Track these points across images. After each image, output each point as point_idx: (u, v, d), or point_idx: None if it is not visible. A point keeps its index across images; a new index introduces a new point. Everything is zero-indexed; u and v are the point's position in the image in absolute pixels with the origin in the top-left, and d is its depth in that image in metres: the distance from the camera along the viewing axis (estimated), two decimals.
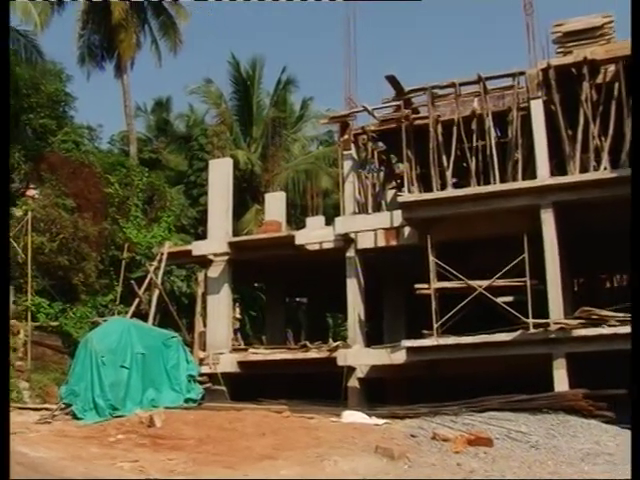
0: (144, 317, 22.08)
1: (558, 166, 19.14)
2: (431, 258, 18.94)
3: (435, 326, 18.35)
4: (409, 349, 18.52)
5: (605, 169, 18.35)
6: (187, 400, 19.04)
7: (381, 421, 15.81)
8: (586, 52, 18.79)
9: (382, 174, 23.69)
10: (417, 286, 19.25)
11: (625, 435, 13.54)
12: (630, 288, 9.18)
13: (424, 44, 75.71)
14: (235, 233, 26.12)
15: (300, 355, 20.91)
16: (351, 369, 19.89)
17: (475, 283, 18.44)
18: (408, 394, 19.27)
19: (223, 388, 20.86)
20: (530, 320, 17.39)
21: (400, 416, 16.19)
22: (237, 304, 27.09)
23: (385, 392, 20.66)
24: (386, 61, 68.78)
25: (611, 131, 18.63)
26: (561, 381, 16.84)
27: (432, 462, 12.58)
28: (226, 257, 22.60)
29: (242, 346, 23.47)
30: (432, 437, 13.82)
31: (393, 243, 20.62)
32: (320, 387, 19.10)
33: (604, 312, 17.09)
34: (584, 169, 18.59)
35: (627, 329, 16.47)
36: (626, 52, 18.44)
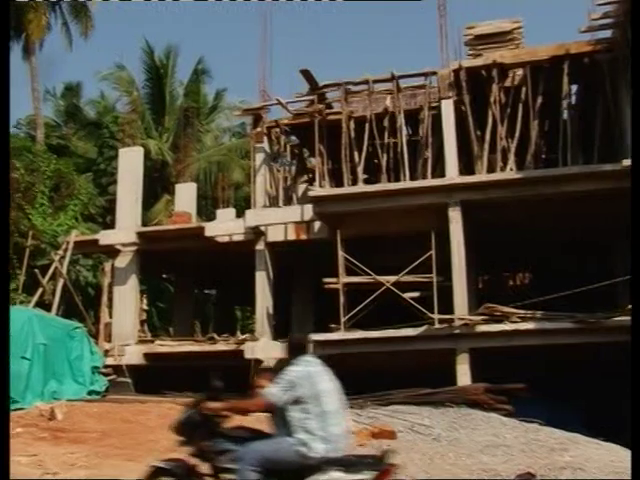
0: (48, 307, 21.59)
1: (466, 165, 19.58)
2: (340, 253, 19.11)
3: (343, 320, 18.54)
4: (316, 343, 18.61)
5: (511, 170, 18.88)
6: (90, 392, 18.68)
7: None
8: (496, 55, 19.29)
9: (294, 168, 23.78)
10: (326, 280, 19.39)
11: (522, 428, 13.97)
12: (630, 288, 9.31)
13: (340, 41, 76.08)
14: (144, 223, 25.79)
15: (207, 347, 20.81)
16: (258, 362, 19.90)
17: (383, 278, 18.71)
18: None
19: (128, 380, 20.59)
20: (435, 316, 17.73)
21: None
22: (144, 295, 26.77)
23: None
24: (302, 56, 68.93)
25: (517, 133, 19.18)
26: (464, 375, 17.24)
27: None
28: (134, 247, 22.29)
29: (148, 338, 23.21)
30: None
31: (303, 237, 20.71)
32: (227, 380, 19.01)
33: (506, 309, 17.55)
34: (491, 169, 19.09)
35: (528, 325, 17.08)
36: (533, 57, 19.08)
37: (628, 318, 16.56)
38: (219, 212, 25.44)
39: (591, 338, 16.83)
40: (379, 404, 15.52)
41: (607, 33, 18.25)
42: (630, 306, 16.91)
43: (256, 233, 20.82)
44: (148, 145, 34.83)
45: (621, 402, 19.09)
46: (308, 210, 20.04)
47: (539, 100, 19.21)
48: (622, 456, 12.52)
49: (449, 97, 19.43)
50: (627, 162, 16.47)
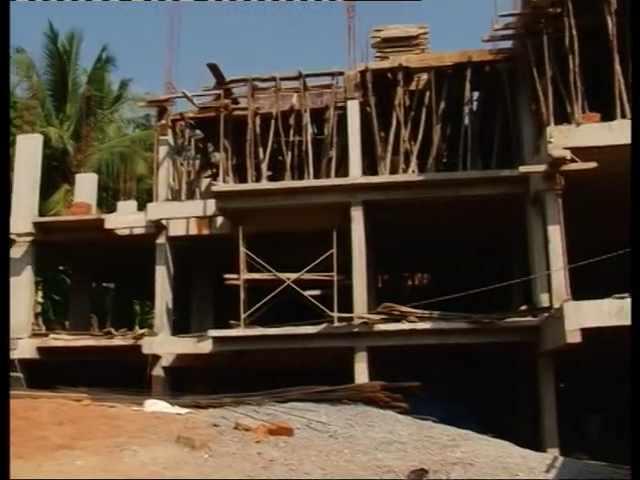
0: None
1: (370, 166, 19.84)
2: (242, 249, 19.10)
3: (243, 317, 18.54)
4: (216, 339, 18.60)
5: (413, 172, 19.24)
6: None
7: (184, 410, 15.74)
8: (402, 59, 19.62)
9: (198, 162, 23.62)
10: (226, 276, 19.36)
11: (416, 425, 14.27)
12: (631, 288, 9.43)
13: (250, 38, 75.74)
14: (42, 213, 25.12)
15: (104, 342, 20.45)
16: (156, 357, 19.70)
17: (284, 276, 18.80)
18: (214, 384, 19.36)
19: (19, 375, 20.02)
20: (335, 314, 17.93)
21: (203, 406, 16.20)
22: (39, 287, 26.10)
23: (191, 382, 20.62)
24: (211, 51, 68.32)
25: (420, 136, 19.55)
26: (362, 373, 17.48)
27: (233, 451, 12.69)
28: (30, 238, 21.69)
29: (43, 331, 22.66)
30: (234, 427, 13.91)
31: (205, 232, 20.59)
32: (124, 375, 18.78)
33: (405, 308, 17.87)
34: (394, 171, 19.39)
35: (425, 325, 17.46)
36: (438, 63, 19.49)
37: (521, 319, 17.22)
38: (120, 204, 25.03)
39: (485, 338, 17.33)
40: (277, 401, 15.58)
41: (508, 44, 18.80)
42: (524, 307, 17.58)
43: (157, 227, 20.58)
44: (48, 133, 33.87)
45: (513, 401, 19.79)
46: (211, 205, 19.93)
47: (442, 105, 19.62)
48: (510, 452, 12.97)
49: (355, 98, 19.65)
50: (523, 168, 17.05)
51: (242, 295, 18.81)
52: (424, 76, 19.99)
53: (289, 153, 20.28)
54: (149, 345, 19.70)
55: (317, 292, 18.90)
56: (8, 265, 9.42)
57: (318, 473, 11.88)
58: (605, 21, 16.16)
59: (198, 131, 22.89)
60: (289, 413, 14.80)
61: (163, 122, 21.58)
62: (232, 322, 18.65)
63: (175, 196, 21.58)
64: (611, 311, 13.86)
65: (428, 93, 19.68)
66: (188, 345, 19.58)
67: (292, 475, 11.69)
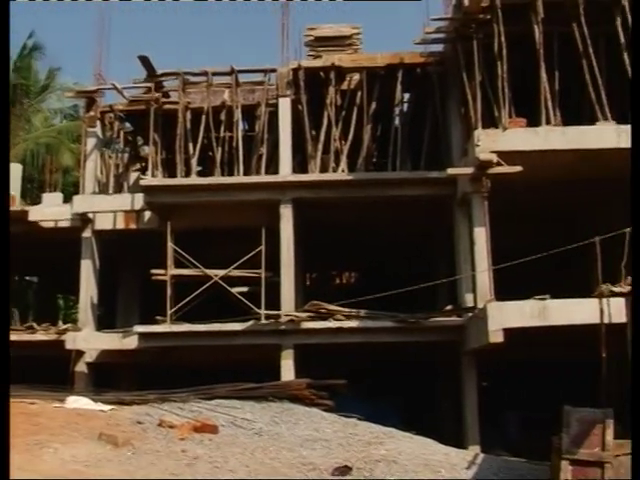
0: None
1: (300, 164, 19.89)
2: (169, 244, 18.95)
3: (169, 313, 18.40)
4: (141, 335, 18.39)
5: (343, 171, 19.35)
6: None
7: (107, 407, 15.55)
8: (334, 58, 19.71)
9: (127, 155, 23.32)
10: (153, 272, 19.18)
11: (341, 422, 14.41)
12: (631, 289, 9.51)
13: (185, 32, 74.88)
14: None
15: (26, 337, 20.01)
16: (80, 353, 19.38)
17: (212, 272, 18.71)
18: (139, 380, 19.16)
19: None
20: (262, 311, 17.92)
21: (127, 402, 16.03)
22: None
23: (115, 378, 20.37)
24: (143, 43, 67.38)
25: (351, 135, 19.67)
26: (288, 371, 17.50)
27: (157, 449, 12.62)
28: None
29: None
30: (159, 424, 13.82)
31: (133, 226, 20.36)
32: (46, 371, 18.43)
33: (332, 307, 17.95)
34: (324, 169, 19.47)
35: (351, 323, 17.59)
36: (370, 63, 19.65)
37: (446, 319, 17.50)
38: (45, 196, 24.49)
39: (411, 337, 17.54)
40: (202, 398, 15.54)
41: (439, 47, 19.04)
42: (449, 307, 17.86)
43: (83, 220, 20.24)
44: None
45: (436, 399, 20.10)
46: (139, 199, 19.70)
47: (373, 105, 19.79)
48: (433, 449, 13.22)
49: (287, 95, 19.66)
50: (451, 170, 17.33)
51: (169, 291, 18.65)
52: (356, 76, 20.11)
53: (219, 149, 20.20)
54: (72, 340, 19.36)
55: (245, 289, 18.88)
56: (8, 263, 9.11)
57: (243, 470, 11.91)
58: (532, 29, 16.52)
59: (127, 124, 22.60)
60: (214, 410, 14.78)
61: (92, 114, 21.23)
62: (158, 318, 18.48)
63: (102, 189, 21.28)
64: (533, 312, 14.19)
65: (359, 93, 19.82)
66: (113, 341, 19.33)
67: (216, 472, 11.69)
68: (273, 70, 20.04)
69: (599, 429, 9.87)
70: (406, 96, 20.79)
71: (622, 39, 16.56)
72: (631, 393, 8.38)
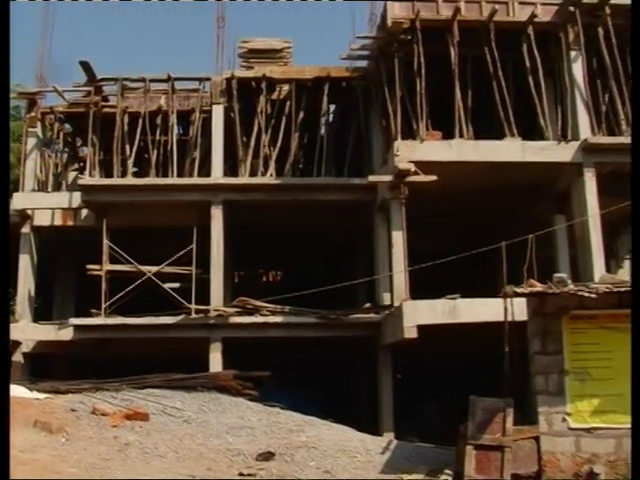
0: None
1: (231, 168, 19.91)
2: (105, 241, 18.77)
3: (104, 306, 18.22)
4: (77, 327, 18.16)
5: (271, 175, 19.45)
6: None
7: (42, 395, 15.32)
8: (265, 70, 19.81)
9: (65, 155, 22.98)
10: (89, 267, 18.96)
11: (265, 411, 14.50)
12: (632, 290, 9.57)
13: (126, 39, 73.60)
14: None
15: None
16: (17, 343, 19.00)
17: (145, 268, 18.61)
18: (74, 371, 18.84)
19: None
20: (193, 306, 17.90)
21: (62, 391, 15.80)
22: None
23: (51, 368, 20.01)
24: (84, 47, 65.90)
25: (279, 142, 19.77)
26: (216, 363, 17.52)
27: (90, 435, 12.53)
28: None
29: None
30: (92, 412, 13.70)
31: (70, 223, 20.10)
32: None
33: (258, 303, 18.06)
34: (253, 173, 19.54)
35: (277, 319, 17.73)
36: (299, 75, 19.81)
37: (364, 316, 17.75)
38: None
39: (332, 332, 17.77)
40: (134, 387, 15.44)
41: (364, 63, 19.30)
42: (367, 305, 18.12)
43: (22, 216, 19.85)
44: None
45: (355, 389, 20.35)
46: (77, 197, 19.51)
47: (301, 115, 19.94)
48: (350, 436, 13.41)
49: (220, 103, 19.69)
50: (372, 178, 17.61)
51: (104, 285, 18.47)
52: (286, 87, 20.23)
53: (155, 151, 20.08)
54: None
55: (177, 285, 18.84)
56: (7, 262, 8.88)
57: (171, 456, 11.93)
58: (449, 51, 16.91)
59: (67, 125, 22.27)
60: (145, 399, 14.71)
61: (33, 114, 20.88)
62: (93, 311, 18.28)
63: (42, 187, 20.93)
64: (444, 310, 14.58)
65: (288, 103, 19.94)
66: (49, 332, 19.08)
67: (146, 458, 11.67)
68: (208, 79, 20.06)
69: (501, 417, 10.19)
70: (332, 107, 20.97)
71: (527, 63, 17.11)
72: (631, 393, 8.73)
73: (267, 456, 11.97)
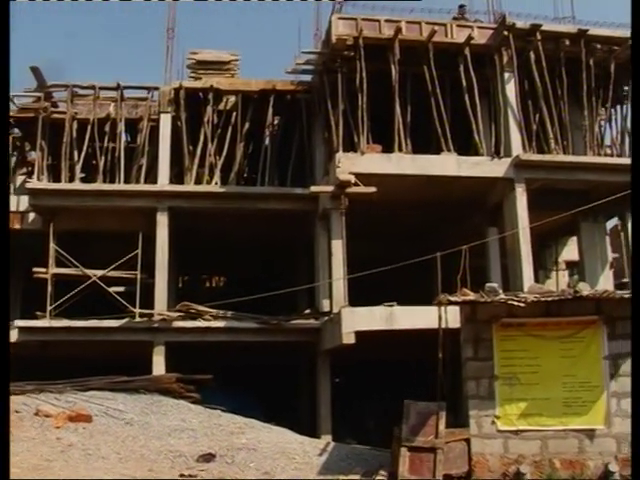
0: None
1: (177, 176, 19.74)
2: (52, 245, 18.42)
3: (49, 309, 17.86)
4: (21, 329, 17.74)
5: (216, 184, 19.34)
6: None
7: None
8: (213, 81, 19.71)
9: (14, 159, 22.46)
10: (35, 270, 18.58)
11: (206, 413, 14.37)
12: (632, 291, 9.49)
13: (79, 45, 72.25)
14: None
15: None
16: None
17: (91, 272, 18.31)
18: (18, 372, 18.35)
19: None
20: (137, 310, 17.67)
21: None
22: None
23: None
24: (37, 53, 64.62)
25: (225, 152, 19.67)
26: (159, 366, 17.31)
27: (33, 436, 12.29)
28: None
29: None
30: (35, 413, 13.42)
31: (17, 226, 19.58)
32: None
33: (201, 307, 17.93)
34: (199, 181, 19.42)
35: (219, 323, 17.63)
36: (245, 87, 19.79)
37: (304, 321, 17.77)
38: None
39: (273, 337, 17.75)
40: (78, 389, 15.17)
41: (308, 77, 19.37)
42: (307, 311, 18.14)
43: None
44: None
45: (295, 393, 20.34)
46: (24, 201, 19.14)
47: (246, 125, 19.88)
48: (289, 438, 13.38)
49: (168, 112, 19.54)
50: (314, 188, 17.67)
51: (49, 288, 18.11)
52: (232, 98, 20.16)
53: (102, 158, 19.78)
54: None
55: (121, 289, 18.58)
56: (8, 263, 8.56)
57: (114, 457, 11.75)
58: (390, 68, 17.09)
59: (16, 130, 21.78)
60: (89, 401, 14.47)
61: None
62: (38, 313, 17.90)
63: None
64: (381, 317, 14.69)
65: (235, 114, 19.87)
66: None
67: (89, 459, 11.48)
68: (156, 88, 19.89)
69: (434, 420, 10.31)
70: (276, 119, 20.97)
71: (464, 83, 17.40)
72: (631, 393, 8.77)
73: (208, 458, 11.88)
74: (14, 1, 11.02)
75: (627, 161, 17.77)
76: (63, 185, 19.12)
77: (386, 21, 17.36)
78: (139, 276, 18.09)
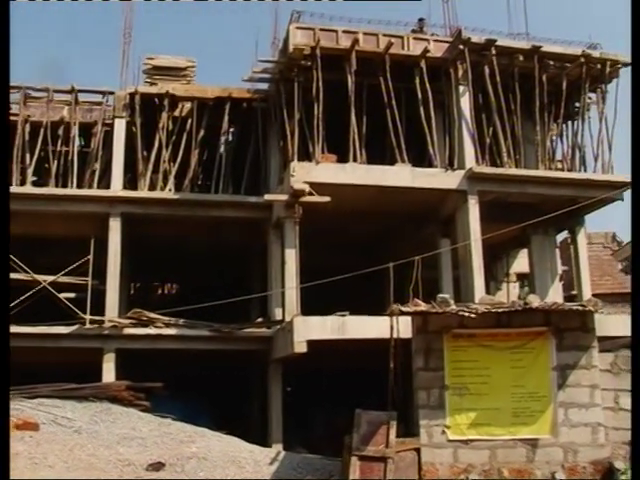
0: None
1: (131, 181, 19.57)
2: None
3: None
4: None
5: (170, 190, 19.21)
6: None
7: None
8: (169, 87, 19.60)
9: None
10: None
11: (156, 422, 14.22)
12: (631, 290, 9.36)
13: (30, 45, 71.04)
14: None
15: None
16: None
17: (41, 277, 18.01)
18: None
19: None
20: (87, 316, 17.42)
21: None
22: None
23: None
24: None
25: (179, 158, 19.55)
26: (109, 373, 17.08)
27: None
28: None
29: None
30: None
31: None
32: None
33: (152, 315, 17.77)
34: (152, 187, 19.26)
35: (170, 331, 17.51)
36: (201, 94, 19.73)
37: (257, 330, 17.73)
38: None
39: (225, 345, 17.66)
40: (25, 397, 14.88)
41: (265, 86, 19.37)
42: (260, 319, 18.09)
43: None
44: None
45: (246, 402, 20.24)
46: None
47: (202, 132, 19.77)
48: (240, 447, 13.32)
49: (122, 117, 19.35)
50: (268, 196, 17.66)
51: None
52: (188, 105, 20.05)
53: (55, 162, 19.49)
54: None
55: (72, 295, 18.30)
56: (8, 263, 8.28)
57: (61, 466, 11.56)
58: (346, 78, 17.19)
59: None
60: (36, 409, 14.22)
61: None
62: None
63: None
64: (333, 326, 14.71)
65: (190, 120, 19.76)
66: None
67: (35, 468, 11.27)
68: (111, 92, 19.69)
69: (384, 429, 10.33)
70: (232, 127, 20.91)
71: (419, 95, 17.58)
72: (631, 394, 8.74)
73: (157, 466, 11.75)
74: (14, 1, 10.80)
75: (577, 175, 18.30)
76: (14, 189, 18.69)
77: (344, 32, 17.48)
78: (90, 282, 17.85)
